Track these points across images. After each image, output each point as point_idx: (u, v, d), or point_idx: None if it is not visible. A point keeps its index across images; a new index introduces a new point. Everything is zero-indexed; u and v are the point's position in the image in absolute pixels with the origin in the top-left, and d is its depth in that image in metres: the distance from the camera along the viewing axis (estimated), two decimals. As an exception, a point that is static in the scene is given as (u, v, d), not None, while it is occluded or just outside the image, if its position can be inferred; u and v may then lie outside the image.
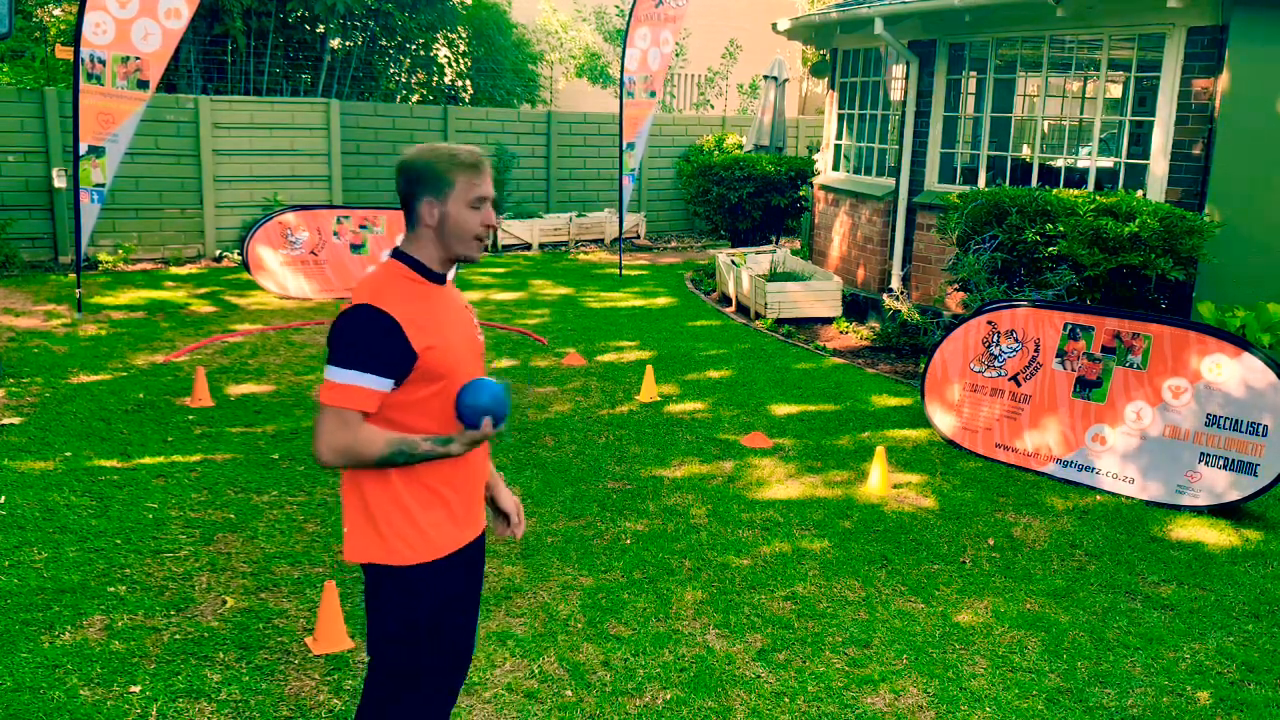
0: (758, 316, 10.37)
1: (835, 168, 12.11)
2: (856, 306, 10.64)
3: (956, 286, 8.16)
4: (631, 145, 12.26)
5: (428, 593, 2.48)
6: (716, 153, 15.24)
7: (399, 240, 2.50)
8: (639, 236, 16.19)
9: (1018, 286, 7.62)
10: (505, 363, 8.37)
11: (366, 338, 2.30)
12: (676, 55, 16.71)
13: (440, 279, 2.49)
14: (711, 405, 7.36)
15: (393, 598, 2.47)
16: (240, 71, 14.38)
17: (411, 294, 2.40)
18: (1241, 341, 5.53)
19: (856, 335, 9.76)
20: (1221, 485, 5.52)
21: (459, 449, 2.40)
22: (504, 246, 14.86)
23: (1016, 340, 6.35)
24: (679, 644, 4.07)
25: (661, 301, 11.31)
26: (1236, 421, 5.49)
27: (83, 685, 3.65)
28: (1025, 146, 10.46)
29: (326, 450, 2.31)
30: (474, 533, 2.61)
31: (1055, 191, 7.73)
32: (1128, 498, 5.80)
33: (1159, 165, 8.12)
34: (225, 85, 14.35)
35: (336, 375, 2.31)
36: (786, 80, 14.80)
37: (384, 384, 2.33)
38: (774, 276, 10.70)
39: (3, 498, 5.26)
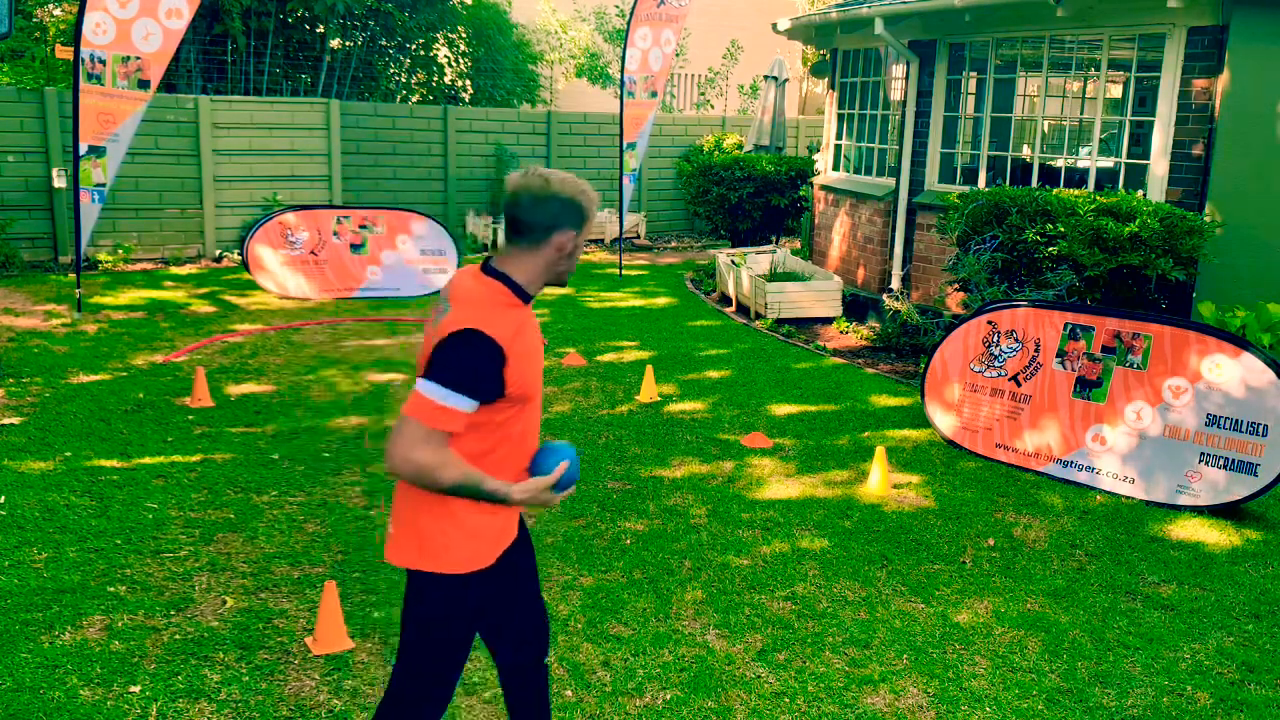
0: (758, 316, 10.38)
1: (835, 168, 12.11)
2: (856, 306, 10.64)
3: (956, 286, 8.16)
4: (632, 145, 12.26)
5: (472, 599, 2.54)
6: (716, 153, 15.24)
7: (497, 257, 2.51)
8: (639, 236, 16.19)
9: (1018, 286, 7.62)
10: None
11: (473, 363, 2.33)
12: (677, 55, 16.69)
13: (530, 300, 2.52)
14: (711, 405, 7.36)
15: (438, 605, 2.52)
16: (240, 71, 14.38)
17: (512, 319, 2.43)
18: (1241, 341, 5.52)
19: (856, 335, 9.76)
20: (1222, 485, 5.52)
21: (519, 498, 2.43)
22: (504, 246, 14.85)
23: (1016, 340, 6.35)
24: (679, 644, 4.07)
25: (661, 301, 11.31)
26: (1236, 421, 5.49)
27: (83, 685, 3.65)
28: (1025, 146, 10.47)
29: (404, 462, 2.33)
30: (515, 535, 2.67)
31: (1055, 191, 7.73)
32: (1128, 498, 5.79)
33: (1159, 165, 8.12)
34: (225, 85, 14.35)
35: (435, 392, 2.32)
36: (786, 80, 14.80)
37: (473, 406, 2.37)
38: (774, 276, 10.70)
39: (3, 498, 5.26)
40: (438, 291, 11.05)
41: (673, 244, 16.29)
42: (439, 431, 2.34)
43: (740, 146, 15.56)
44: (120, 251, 12.21)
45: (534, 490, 2.45)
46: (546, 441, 2.56)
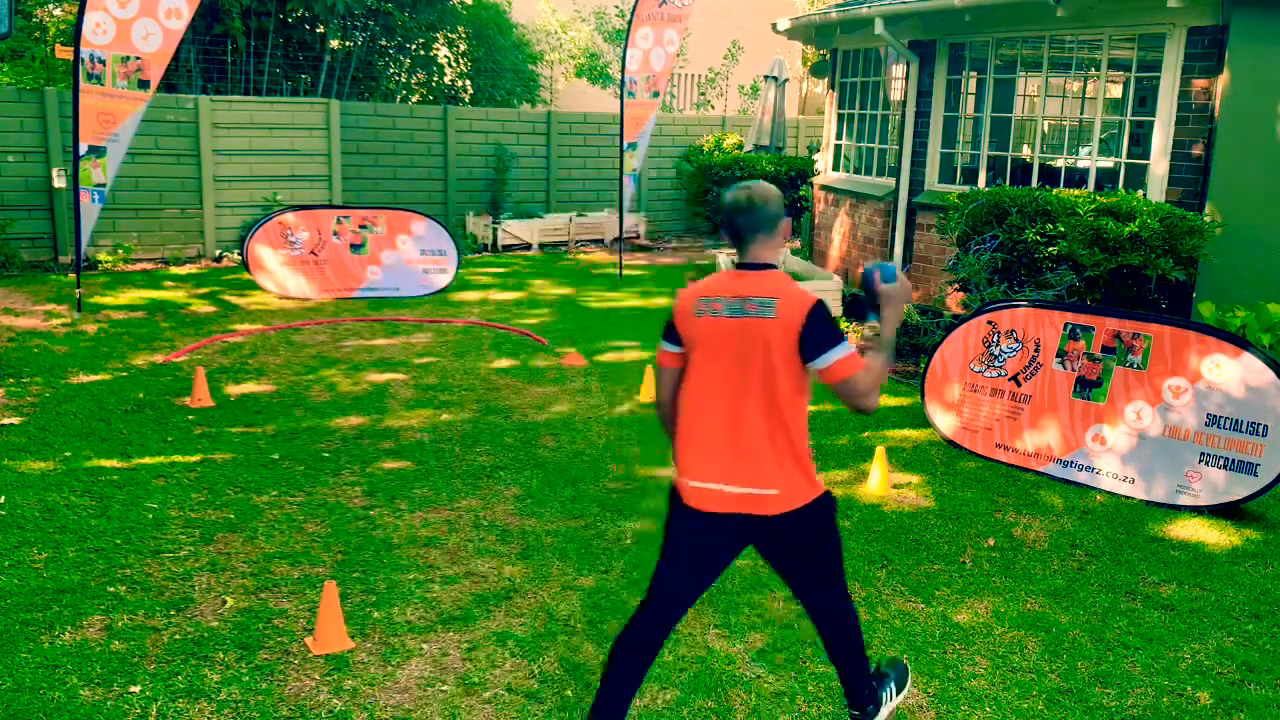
0: (758, 316, 10.36)
1: (835, 168, 12.11)
2: (857, 306, 10.64)
3: (956, 286, 8.16)
4: (633, 145, 12.25)
5: None
6: (716, 153, 15.24)
7: (749, 257, 3.12)
8: (639, 236, 16.19)
9: (1018, 286, 7.62)
10: (505, 362, 8.37)
11: (835, 319, 3.06)
12: (678, 55, 16.71)
13: None
14: (711, 405, 7.34)
15: (833, 512, 3.17)
16: (240, 71, 14.38)
17: None
18: (1241, 341, 5.52)
19: (856, 335, 9.76)
20: (1222, 485, 5.52)
21: (895, 314, 3.19)
22: (504, 246, 14.87)
23: (1016, 340, 6.35)
24: (679, 644, 4.07)
25: (662, 301, 11.31)
26: (1236, 421, 5.49)
27: (83, 685, 3.65)
28: (1025, 146, 10.47)
29: (876, 396, 3.01)
30: None
31: (1055, 191, 7.73)
32: (1128, 498, 5.79)
33: (1159, 165, 8.12)
34: (225, 85, 14.35)
35: (846, 349, 2.98)
36: (786, 80, 14.80)
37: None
38: (774, 276, 10.68)
39: (3, 498, 5.26)
40: (440, 291, 11.04)
41: (673, 244, 16.29)
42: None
43: (740, 146, 15.56)
44: (120, 251, 12.21)
45: (898, 306, 3.18)
46: (869, 266, 3.19)
